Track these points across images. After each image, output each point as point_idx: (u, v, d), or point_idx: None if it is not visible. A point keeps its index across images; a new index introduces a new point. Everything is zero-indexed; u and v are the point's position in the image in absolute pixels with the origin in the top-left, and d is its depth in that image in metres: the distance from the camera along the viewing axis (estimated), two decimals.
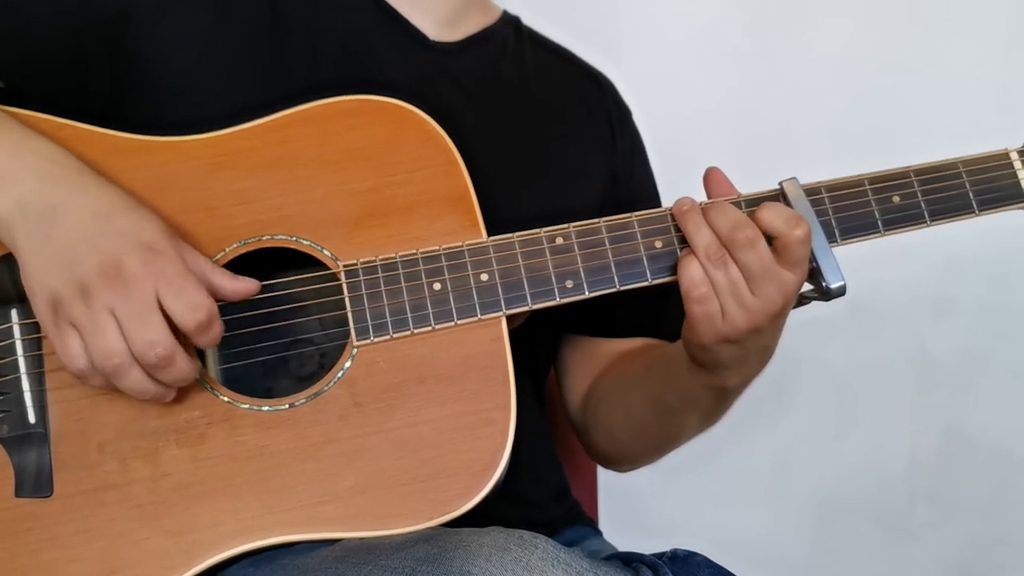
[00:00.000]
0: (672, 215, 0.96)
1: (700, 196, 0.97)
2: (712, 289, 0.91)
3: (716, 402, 1.07)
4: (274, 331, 0.95)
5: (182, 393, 0.90)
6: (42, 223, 0.85)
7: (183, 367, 0.85)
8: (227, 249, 0.93)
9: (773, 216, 0.91)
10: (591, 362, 1.23)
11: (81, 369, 0.84)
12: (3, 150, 0.89)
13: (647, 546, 0.91)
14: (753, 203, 0.96)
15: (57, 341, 0.84)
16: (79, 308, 0.82)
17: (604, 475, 1.46)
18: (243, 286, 0.89)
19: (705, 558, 0.85)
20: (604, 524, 1.30)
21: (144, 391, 0.85)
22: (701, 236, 0.91)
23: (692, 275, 0.91)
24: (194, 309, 0.84)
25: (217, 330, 0.87)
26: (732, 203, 0.95)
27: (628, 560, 0.84)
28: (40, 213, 0.85)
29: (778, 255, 0.90)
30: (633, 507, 1.69)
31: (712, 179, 0.98)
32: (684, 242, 0.94)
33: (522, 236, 0.95)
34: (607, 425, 1.20)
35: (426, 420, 0.91)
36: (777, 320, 0.94)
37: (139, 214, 0.88)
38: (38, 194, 0.86)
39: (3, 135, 0.90)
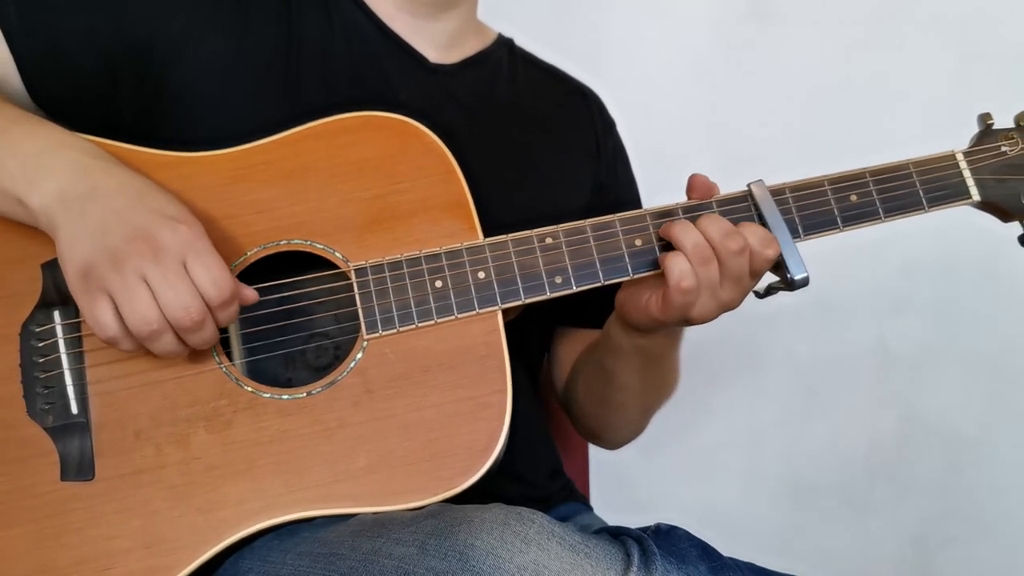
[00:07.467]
0: (650, 216, 0.96)
1: (678, 198, 0.98)
2: (698, 282, 0.92)
3: (644, 360, 1.08)
4: (292, 326, 0.95)
5: (210, 384, 0.90)
6: (79, 204, 0.84)
7: (212, 330, 0.85)
8: (249, 253, 0.93)
9: (751, 234, 0.93)
10: (573, 349, 1.24)
11: (112, 336, 0.83)
12: (43, 148, 0.89)
13: (634, 520, 0.90)
14: (723, 204, 0.97)
15: (87, 309, 0.83)
16: (110, 275, 0.81)
17: (595, 455, 1.45)
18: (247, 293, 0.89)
19: (686, 532, 0.84)
20: (595, 500, 1.30)
21: (172, 353, 0.85)
22: (689, 238, 0.92)
23: (682, 269, 0.91)
24: (219, 285, 0.83)
25: (235, 310, 0.86)
26: (705, 207, 0.97)
27: (616, 533, 0.82)
28: (77, 196, 0.85)
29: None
30: (622, 485, 1.67)
31: (696, 184, 0.98)
32: (660, 240, 0.95)
33: (515, 237, 0.95)
34: (577, 397, 1.22)
35: (430, 405, 0.91)
36: (723, 312, 0.96)
37: (166, 194, 0.88)
38: (76, 183, 0.86)
39: (43, 135, 0.90)
